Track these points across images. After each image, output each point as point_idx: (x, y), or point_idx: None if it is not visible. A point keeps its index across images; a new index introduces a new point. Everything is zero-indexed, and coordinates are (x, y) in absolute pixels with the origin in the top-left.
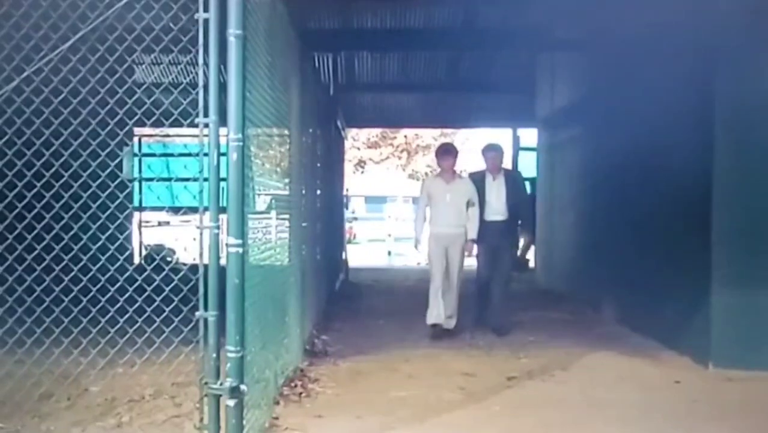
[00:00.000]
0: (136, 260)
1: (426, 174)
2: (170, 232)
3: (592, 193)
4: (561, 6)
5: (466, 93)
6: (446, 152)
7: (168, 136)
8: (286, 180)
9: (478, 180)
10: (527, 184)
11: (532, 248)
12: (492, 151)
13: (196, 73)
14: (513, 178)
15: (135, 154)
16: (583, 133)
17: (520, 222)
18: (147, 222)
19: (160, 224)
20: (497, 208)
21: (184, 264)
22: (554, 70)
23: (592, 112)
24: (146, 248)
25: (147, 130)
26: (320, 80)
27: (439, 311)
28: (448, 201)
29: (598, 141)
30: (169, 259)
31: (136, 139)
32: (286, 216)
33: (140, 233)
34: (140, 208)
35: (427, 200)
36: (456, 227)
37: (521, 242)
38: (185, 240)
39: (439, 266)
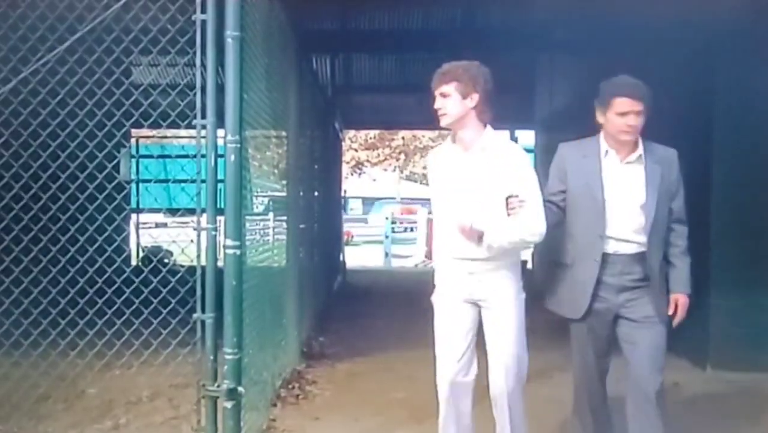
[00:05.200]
0: (134, 261)
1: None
2: (168, 233)
3: None
4: (561, 6)
5: None
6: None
7: (165, 137)
8: (284, 181)
9: (575, 162)
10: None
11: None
12: (627, 88)
13: (194, 75)
14: (662, 167)
15: (132, 156)
16: (582, 133)
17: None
18: (144, 224)
19: (157, 225)
20: (627, 224)
21: (182, 266)
22: (553, 70)
23: (591, 114)
24: (143, 250)
25: (144, 132)
26: (318, 81)
27: None
28: (468, 192)
29: None
30: (166, 260)
31: (133, 140)
32: (284, 218)
33: (137, 235)
34: (137, 210)
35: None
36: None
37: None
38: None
39: (457, 343)
